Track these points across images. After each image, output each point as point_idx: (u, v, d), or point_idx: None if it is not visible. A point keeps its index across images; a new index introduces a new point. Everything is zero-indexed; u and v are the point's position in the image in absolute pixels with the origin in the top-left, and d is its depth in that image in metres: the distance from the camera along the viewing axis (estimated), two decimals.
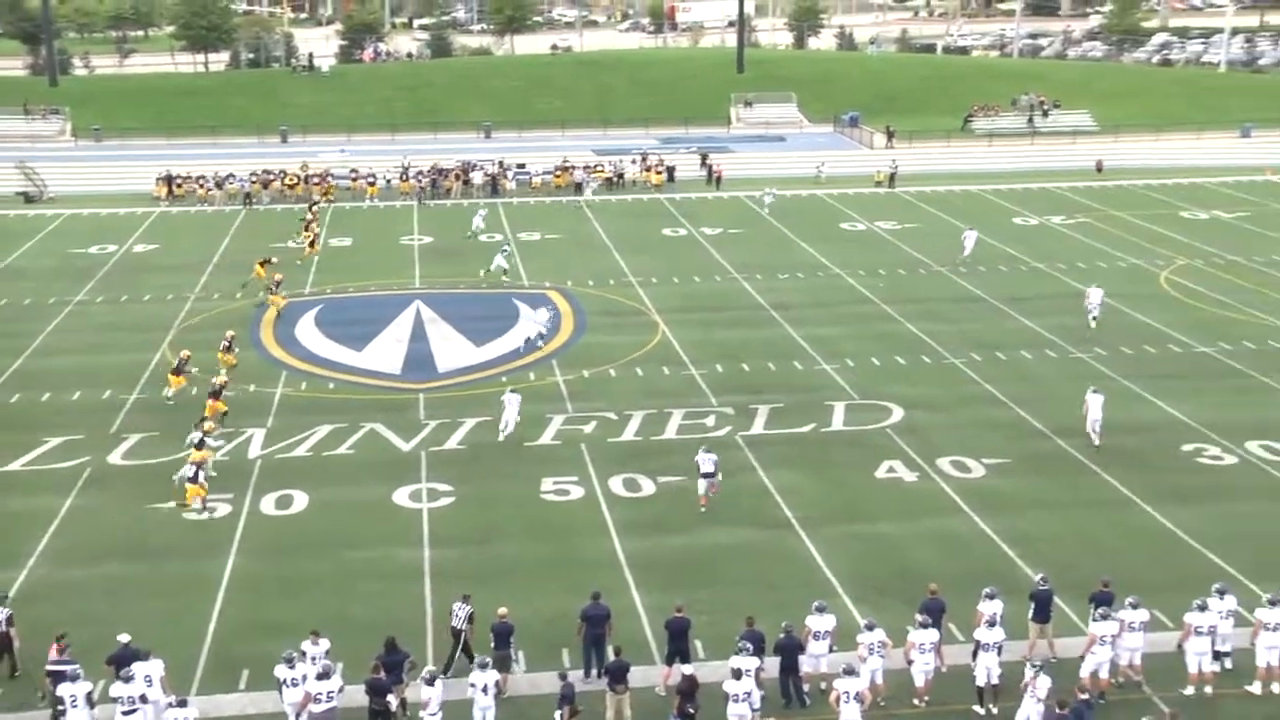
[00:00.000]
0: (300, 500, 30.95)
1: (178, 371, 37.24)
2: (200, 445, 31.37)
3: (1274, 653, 22.96)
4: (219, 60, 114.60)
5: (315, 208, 61.16)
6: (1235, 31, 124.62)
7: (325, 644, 22.52)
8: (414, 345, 42.87)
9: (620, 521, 29.65)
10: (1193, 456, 33.18)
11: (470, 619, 23.63)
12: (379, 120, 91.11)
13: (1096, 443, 33.63)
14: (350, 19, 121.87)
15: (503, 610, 23.48)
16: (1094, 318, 44.40)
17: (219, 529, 29.43)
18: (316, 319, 46.00)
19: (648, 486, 31.52)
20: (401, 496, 31.13)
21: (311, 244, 55.47)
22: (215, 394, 35.43)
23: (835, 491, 31.22)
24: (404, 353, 42.16)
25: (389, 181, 70.42)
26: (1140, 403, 37.11)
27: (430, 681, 21.16)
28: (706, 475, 30.35)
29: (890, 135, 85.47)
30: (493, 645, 23.00)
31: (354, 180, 69.65)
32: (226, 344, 39.76)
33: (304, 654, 22.14)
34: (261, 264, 49.68)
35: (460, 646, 23.59)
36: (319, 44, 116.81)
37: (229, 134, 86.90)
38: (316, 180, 68.76)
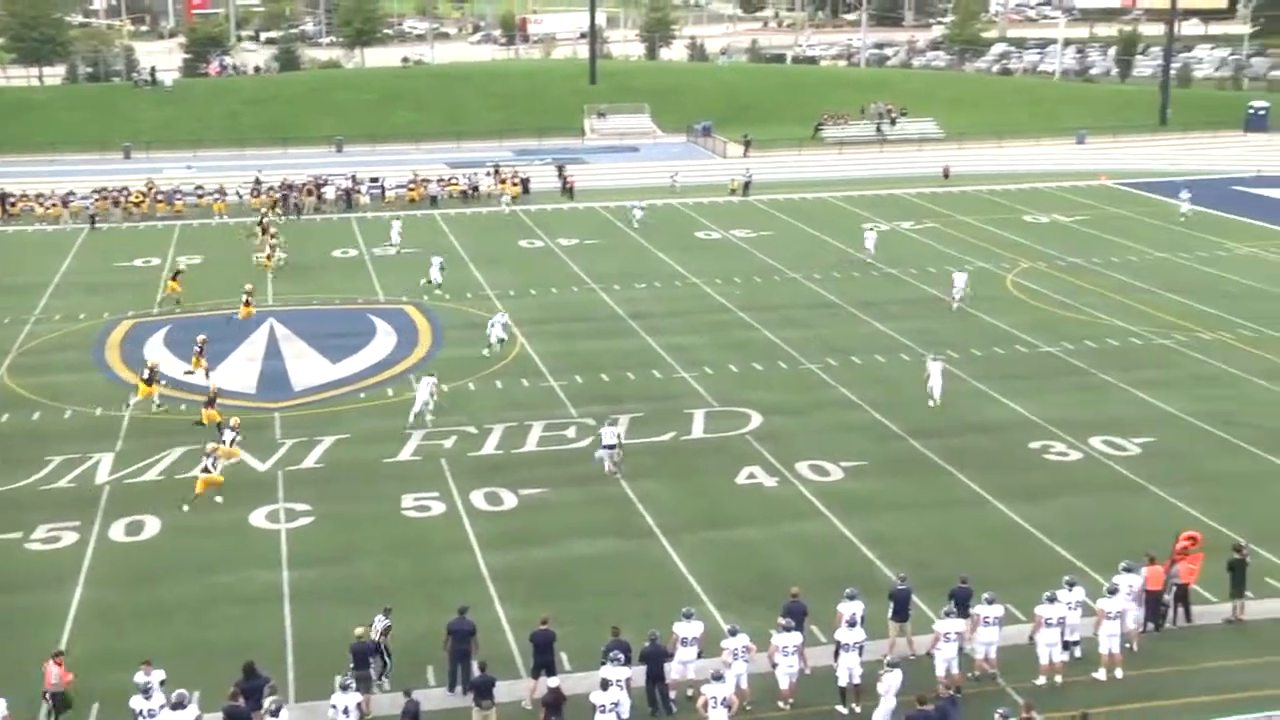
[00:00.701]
0: (152, 525, 30.08)
1: (150, 381, 37.27)
2: (223, 447, 32.24)
3: (1115, 640, 23.78)
4: (54, 74, 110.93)
5: (265, 219, 60.45)
6: (1068, 43, 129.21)
7: (160, 674, 21.83)
8: (268, 364, 42.03)
9: (483, 536, 29.43)
10: (1040, 454, 34.18)
11: (386, 631, 23.47)
12: (226, 135, 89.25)
13: (933, 403, 37.27)
14: (194, 32, 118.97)
15: (359, 630, 23.13)
16: (960, 299, 47.37)
17: (65, 559, 28.43)
18: (166, 339, 44.81)
19: (509, 500, 31.34)
20: (258, 518, 30.47)
21: (269, 256, 54.67)
22: (210, 402, 35.50)
23: (697, 499, 31.42)
24: (258, 372, 41.30)
25: (240, 196, 69.02)
26: (990, 403, 38.11)
27: (275, 713, 20.57)
28: (608, 447, 32.31)
29: (748, 144, 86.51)
30: (351, 665, 22.63)
31: (200, 198, 68.07)
32: (198, 349, 40.04)
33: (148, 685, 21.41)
34: (173, 278, 49.08)
35: (388, 654, 23.48)
36: (161, 57, 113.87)
37: (67, 150, 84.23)
38: (217, 196, 66.95)
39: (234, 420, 33.89)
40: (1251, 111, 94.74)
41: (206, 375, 39.26)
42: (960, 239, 60.51)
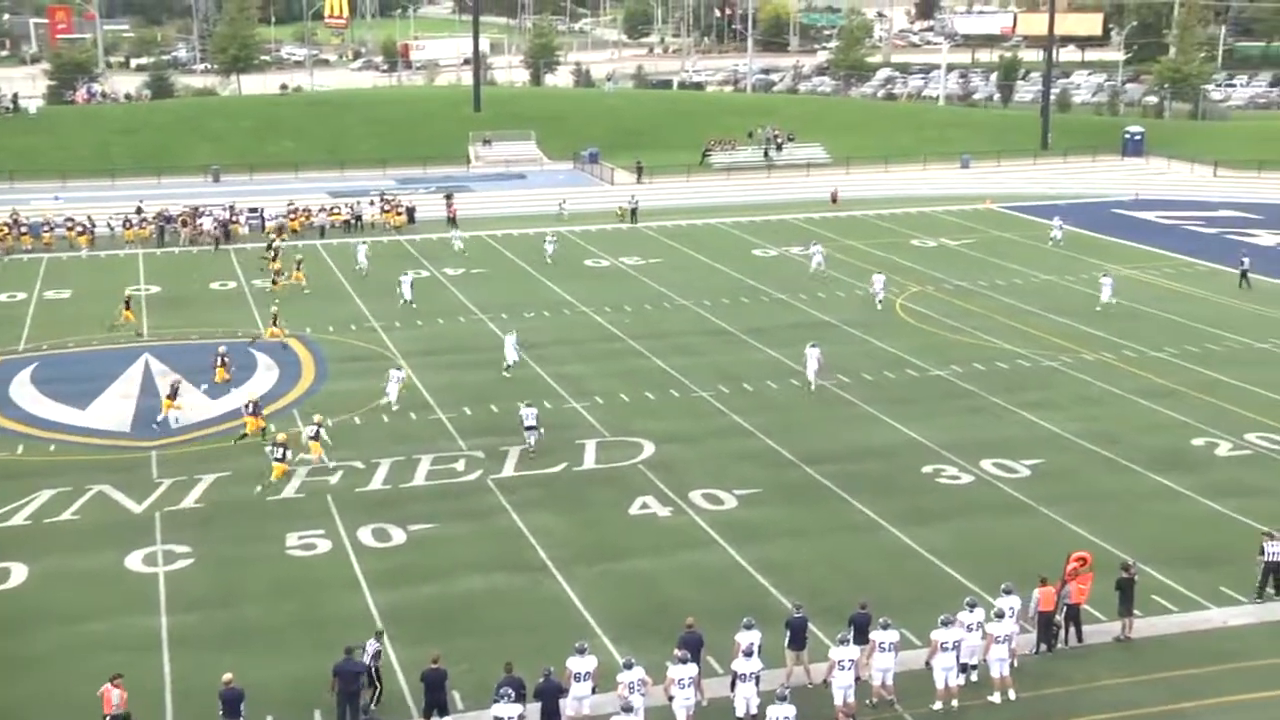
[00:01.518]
0: (19, 573, 29.17)
1: (172, 396, 39.31)
2: (316, 436, 35.09)
3: (1004, 664, 24.19)
4: None
5: (273, 246, 60.76)
6: (951, 68, 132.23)
7: None
8: (144, 401, 41.11)
9: (371, 573, 29.05)
10: (933, 477, 34.72)
11: (377, 655, 23.63)
12: (96, 165, 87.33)
13: (813, 387, 41.29)
14: (59, 58, 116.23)
15: (227, 676, 22.60)
16: (880, 301, 51.73)
17: None
18: (32, 377, 43.62)
19: (398, 536, 31.00)
20: (134, 561, 29.73)
21: (274, 281, 55.72)
22: (254, 410, 37.73)
23: (589, 530, 31.36)
24: (133, 409, 40.38)
25: (111, 229, 67.58)
26: (882, 427, 38.65)
27: None
28: (530, 428, 35.36)
29: (640, 170, 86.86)
30: (221, 713, 22.13)
31: (70, 230, 66.48)
32: (220, 361, 42.75)
33: None
34: (126, 306, 49.16)
35: (378, 680, 23.51)
36: (24, 84, 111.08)
37: None
38: (82, 228, 65.46)
39: (280, 436, 35.08)
40: (1128, 136, 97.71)
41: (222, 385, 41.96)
42: (849, 263, 61.40)
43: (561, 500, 33.13)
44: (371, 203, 73.57)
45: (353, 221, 70.96)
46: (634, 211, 73.17)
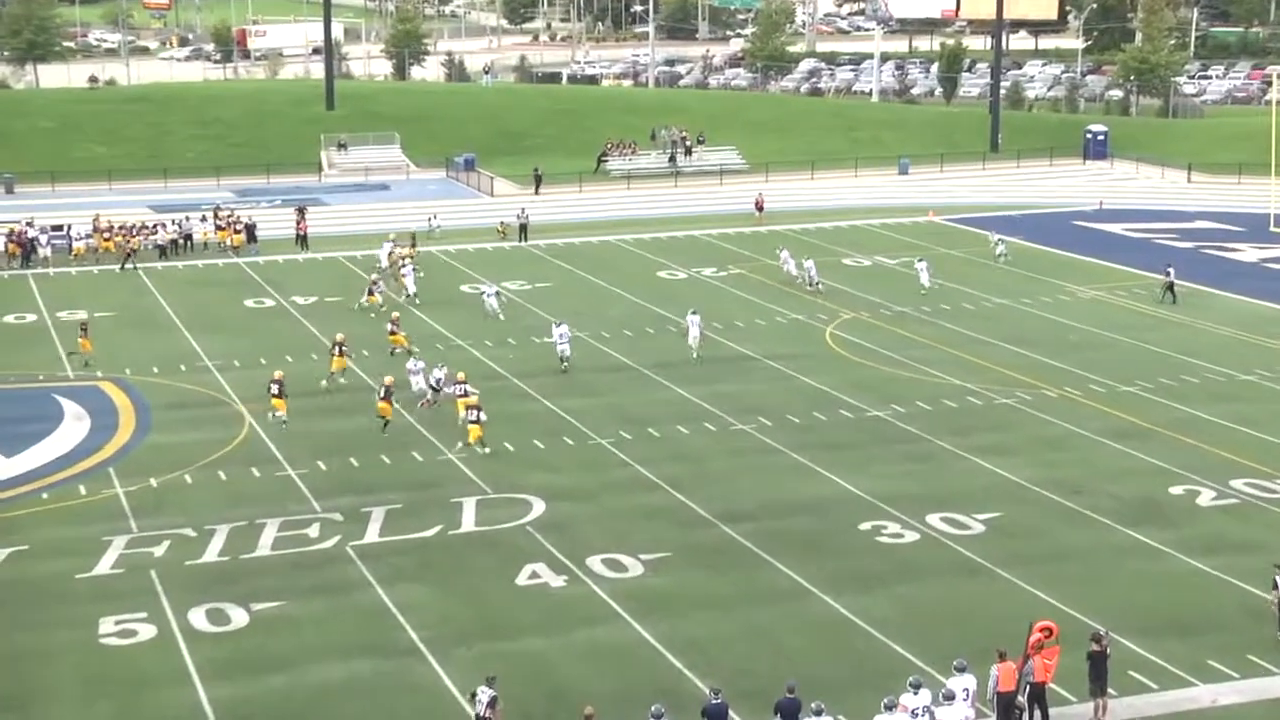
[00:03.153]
0: None
1: (340, 353, 47.00)
2: (387, 397, 42.48)
3: None
4: None
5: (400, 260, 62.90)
6: (885, 58, 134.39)
7: None
8: None
9: (205, 664, 28.59)
10: (871, 535, 35.02)
11: (493, 704, 24.57)
12: None
13: (695, 356, 47.38)
14: None
15: None
16: (814, 281, 58.55)
17: None
18: None
19: (239, 617, 30.57)
20: None
21: (370, 294, 58.28)
22: (386, 395, 42.77)
23: (469, 605, 31.18)
24: None
25: None
26: (812, 478, 38.94)
27: None
28: (434, 389, 42.45)
29: (538, 180, 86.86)
30: None
31: None
32: (338, 349, 47.31)
33: None
34: (83, 337, 49.98)
35: None
36: None
37: None
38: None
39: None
40: (1090, 136, 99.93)
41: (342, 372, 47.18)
42: (771, 287, 61.95)
43: (435, 570, 32.90)
44: (203, 219, 72.76)
45: (180, 241, 70.06)
46: (524, 228, 73.05)
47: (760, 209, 78.98)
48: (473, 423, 40.47)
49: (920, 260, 62.84)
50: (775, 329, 55.06)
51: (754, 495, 37.53)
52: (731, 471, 39.17)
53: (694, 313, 50.94)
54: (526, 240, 72.43)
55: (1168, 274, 59.19)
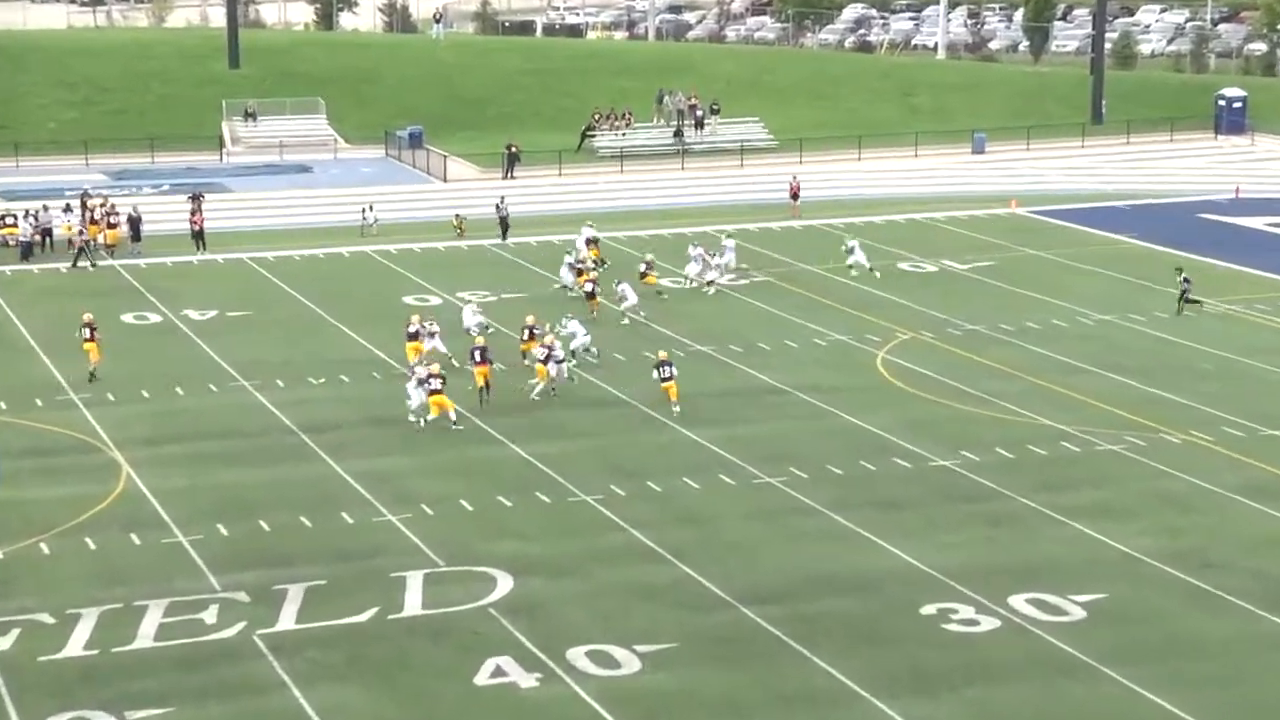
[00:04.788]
0: None
1: (414, 338, 51.92)
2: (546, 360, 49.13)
3: None
4: None
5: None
6: (954, 3, 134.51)
7: None
8: None
9: None
10: (936, 622, 34.82)
11: None
12: None
13: (626, 321, 53.18)
14: None
15: None
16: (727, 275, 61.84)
17: None
18: None
19: None
20: None
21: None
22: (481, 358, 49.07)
23: (413, 712, 31.08)
24: None
25: None
26: (858, 546, 38.78)
27: None
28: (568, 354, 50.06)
29: (512, 159, 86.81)
30: None
31: None
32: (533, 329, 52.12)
33: None
34: (90, 340, 51.71)
35: None
36: None
37: None
38: None
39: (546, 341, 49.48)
40: (1223, 104, 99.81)
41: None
42: (806, 298, 61.91)
43: (371, 666, 32.75)
44: (67, 209, 72.67)
45: (37, 239, 69.89)
46: (505, 223, 72.76)
47: (796, 197, 79.07)
48: (435, 392, 46.07)
49: (852, 241, 65.19)
50: (811, 353, 55.04)
51: (783, 569, 37.38)
52: (754, 538, 39.04)
53: (620, 283, 57.99)
54: (507, 238, 72.34)
55: (1182, 284, 59.33)
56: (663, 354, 49.79)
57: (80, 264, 67.35)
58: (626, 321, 57.13)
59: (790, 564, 37.71)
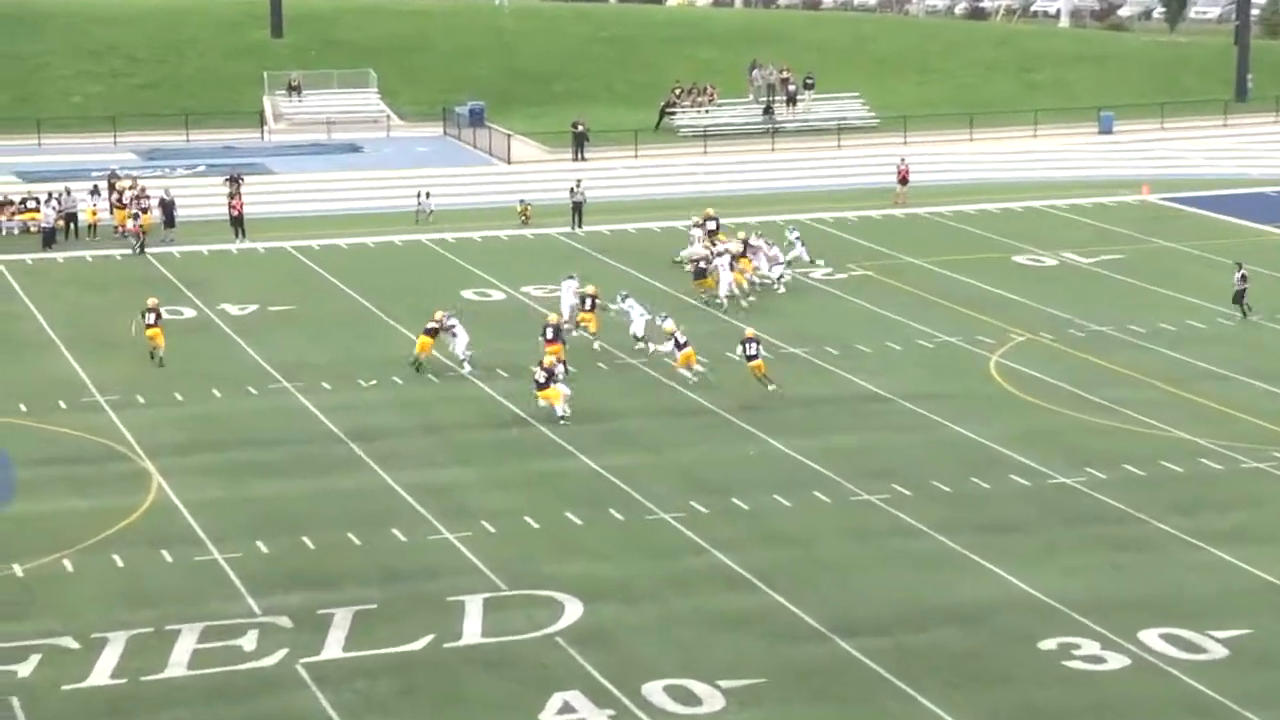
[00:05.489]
0: None
1: (431, 333, 52.76)
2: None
3: None
4: None
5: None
6: None
7: None
8: None
9: None
10: (1057, 658, 34.68)
11: None
12: None
13: (573, 334, 53.83)
14: None
15: None
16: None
17: None
18: None
19: None
20: None
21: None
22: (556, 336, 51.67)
23: None
24: None
25: None
26: (968, 572, 38.69)
27: None
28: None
29: (581, 138, 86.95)
30: None
31: None
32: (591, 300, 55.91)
33: None
34: (153, 325, 53.54)
35: None
36: None
37: None
38: None
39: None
40: None
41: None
42: (911, 295, 61.81)
43: (424, 700, 32.87)
44: (94, 191, 73.25)
45: (60, 225, 70.41)
46: (579, 210, 73.19)
47: (904, 182, 78.97)
48: (542, 386, 48.40)
49: (793, 231, 66.07)
50: (916, 356, 55.06)
51: (884, 596, 37.34)
52: (851, 561, 39.02)
53: (570, 276, 57.92)
54: (581, 226, 72.68)
55: (1240, 280, 59.04)
56: (750, 331, 51.14)
57: (144, 250, 68.17)
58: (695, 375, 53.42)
59: (892, 591, 37.65)
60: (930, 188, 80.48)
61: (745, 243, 62.84)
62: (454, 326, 52.84)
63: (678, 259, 65.56)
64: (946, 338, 56.79)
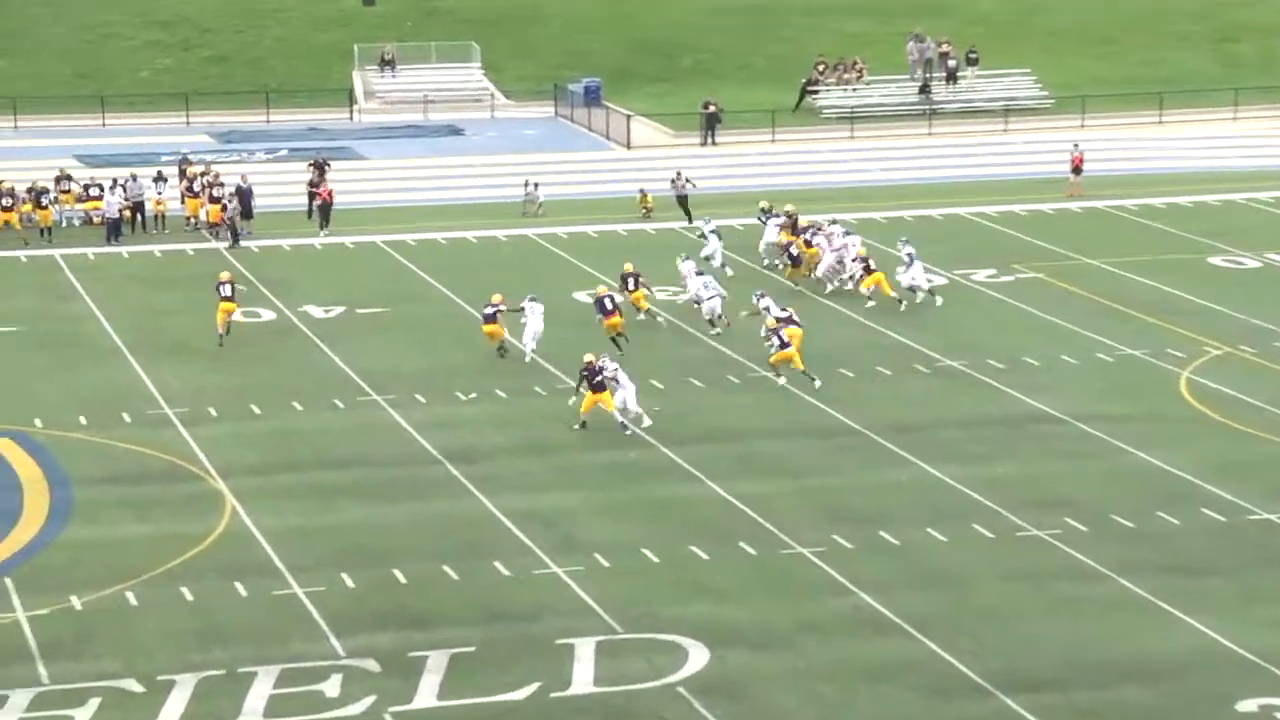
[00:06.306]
0: None
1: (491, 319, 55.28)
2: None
3: None
4: None
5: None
6: None
7: None
8: None
9: None
10: None
11: None
12: None
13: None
14: None
15: None
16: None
17: None
18: None
19: None
20: None
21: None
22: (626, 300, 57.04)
23: None
24: None
25: None
26: (1156, 620, 38.40)
27: None
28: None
29: (713, 120, 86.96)
30: None
31: None
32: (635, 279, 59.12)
33: None
34: (228, 299, 55.78)
35: None
36: None
37: None
38: None
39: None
40: None
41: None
42: (1089, 301, 61.51)
43: None
44: (160, 178, 73.86)
45: (126, 215, 70.98)
46: (684, 200, 73.33)
47: (1078, 171, 78.60)
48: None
49: (904, 241, 64.05)
50: (1096, 371, 54.81)
51: (1056, 647, 37.12)
52: (1018, 606, 38.83)
53: (533, 298, 56.18)
54: (691, 219, 72.70)
55: None
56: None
57: (238, 241, 69.46)
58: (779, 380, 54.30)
59: (1063, 641, 37.41)
60: (1111, 178, 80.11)
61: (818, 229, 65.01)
62: (522, 311, 55.43)
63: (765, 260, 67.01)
64: (1129, 350, 56.48)
